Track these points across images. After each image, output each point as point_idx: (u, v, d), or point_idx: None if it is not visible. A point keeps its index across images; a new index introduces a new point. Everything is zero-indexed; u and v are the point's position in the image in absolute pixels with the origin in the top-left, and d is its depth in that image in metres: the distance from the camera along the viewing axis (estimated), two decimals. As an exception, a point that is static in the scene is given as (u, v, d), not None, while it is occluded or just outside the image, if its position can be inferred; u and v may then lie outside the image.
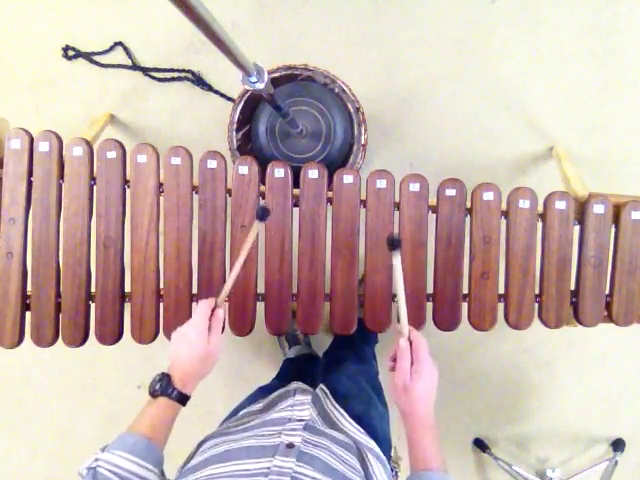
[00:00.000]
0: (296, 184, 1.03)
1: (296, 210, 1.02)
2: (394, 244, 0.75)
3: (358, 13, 1.64)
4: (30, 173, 1.02)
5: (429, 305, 1.04)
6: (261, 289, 1.03)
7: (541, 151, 1.66)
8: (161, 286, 1.03)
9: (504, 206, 1.03)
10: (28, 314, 1.03)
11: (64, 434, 1.84)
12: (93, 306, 1.03)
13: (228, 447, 0.65)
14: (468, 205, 1.03)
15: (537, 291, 1.04)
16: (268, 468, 0.58)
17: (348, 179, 1.02)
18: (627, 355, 1.76)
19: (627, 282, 1.03)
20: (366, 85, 1.64)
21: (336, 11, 1.64)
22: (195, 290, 1.04)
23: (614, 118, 1.65)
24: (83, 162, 1.02)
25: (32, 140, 1.02)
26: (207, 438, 0.76)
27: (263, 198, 1.03)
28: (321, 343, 1.70)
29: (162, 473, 0.68)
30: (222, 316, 0.80)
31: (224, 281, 1.03)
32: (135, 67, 1.66)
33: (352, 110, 1.50)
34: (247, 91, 1.48)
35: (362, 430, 0.82)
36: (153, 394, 0.73)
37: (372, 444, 0.80)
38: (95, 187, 1.02)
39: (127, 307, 1.03)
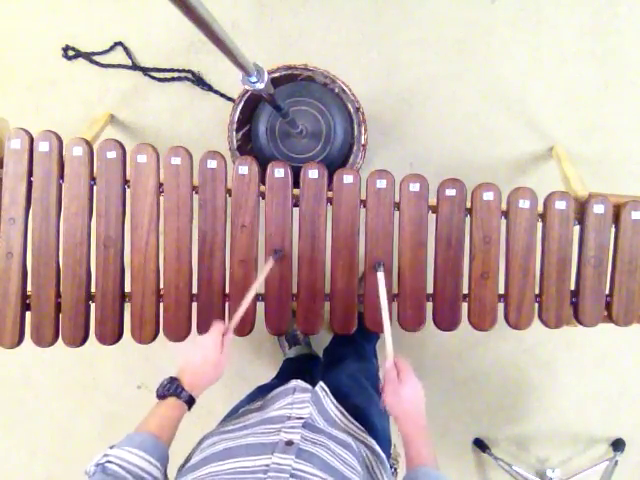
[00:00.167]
0: (296, 184, 1.03)
1: (296, 210, 1.03)
2: (377, 268, 0.95)
3: (358, 13, 1.64)
4: (30, 173, 1.02)
5: (429, 305, 1.04)
6: (261, 289, 1.03)
7: (541, 151, 1.66)
8: (161, 286, 1.03)
9: (504, 206, 1.03)
10: (28, 314, 1.03)
11: (64, 434, 1.84)
12: (93, 306, 1.03)
13: (227, 445, 0.65)
14: (468, 205, 1.03)
15: (537, 291, 1.04)
16: (267, 465, 0.58)
17: (348, 179, 1.02)
18: (627, 355, 1.76)
19: (627, 282, 1.03)
20: (366, 85, 1.64)
21: (336, 11, 1.64)
22: (195, 290, 1.04)
23: (614, 118, 1.65)
24: (83, 162, 1.02)
25: (32, 140, 1.02)
26: (206, 436, 0.76)
27: (263, 198, 1.03)
28: (321, 343, 1.70)
29: (165, 472, 0.68)
30: (232, 337, 0.87)
31: (224, 281, 1.03)
32: (135, 67, 1.66)
33: (352, 110, 1.50)
34: (247, 91, 1.48)
35: (362, 428, 0.82)
36: (163, 395, 0.75)
37: (371, 442, 0.80)
38: (95, 187, 1.03)
39: (127, 307, 1.04)
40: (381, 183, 1.02)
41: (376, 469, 0.73)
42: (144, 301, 1.02)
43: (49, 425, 1.84)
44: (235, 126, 1.50)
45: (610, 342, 1.75)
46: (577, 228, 1.04)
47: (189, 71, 1.66)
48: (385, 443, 0.86)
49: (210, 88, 1.66)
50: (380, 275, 0.92)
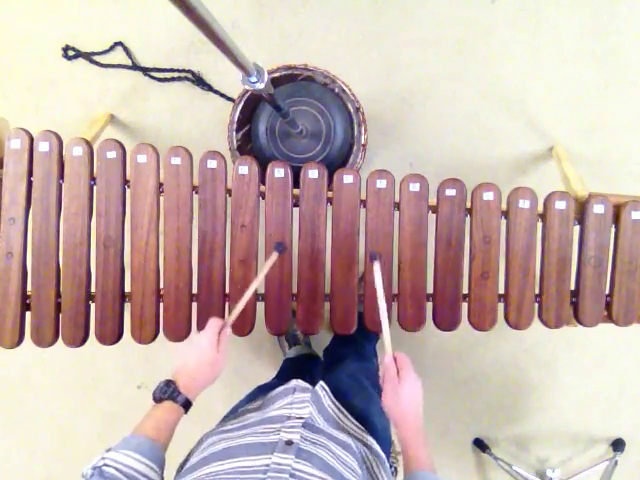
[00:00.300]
0: (296, 184, 1.03)
1: (296, 210, 1.02)
2: (374, 257, 0.93)
3: (358, 13, 1.64)
4: (30, 173, 1.02)
5: (429, 305, 1.04)
6: (261, 289, 1.03)
7: (541, 151, 1.66)
8: (161, 286, 1.03)
9: (504, 206, 1.03)
10: (28, 314, 1.03)
11: (64, 434, 1.84)
12: (93, 306, 1.03)
13: (227, 445, 0.65)
14: (468, 205, 1.03)
15: (537, 291, 1.04)
16: (267, 465, 0.58)
17: (348, 179, 1.02)
18: (627, 355, 1.76)
19: (627, 282, 1.03)
20: (366, 85, 1.64)
21: (336, 11, 1.64)
22: (195, 290, 1.04)
23: (614, 118, 1.65)
24: (83, 162, 1.02)
25: (32, 140, 1.02)
26: (206, 436, 0.76)
27: (263, 198, 1.03)
28: (321, 343, 1.70)
29: (162, 474, 0.68)
30: (230, 333, 0.85)
31: (224, 281, 1.03)
32: (135, 67, 1.66)
33: (352, 110, 1.50)
34: (247, 91, 1.48)
35: (362, 427, 0.82)
36: (160, 399, 0.75)
37: (371, 441, 0.80)
38: (95, 187, 1.03)
39: (127, 307, 1.03)
40: (381, 183, 1.02)
41: (376, 469, 0.73)
42: (144, 301, 1.02)
43: (49, 425, 1.84)
44: (235, 126, 1.50)
45: (610, 342, 1.74)
46: (577, 228, 1.04)
47: (189, 71, 1.66)
48: (385, 442, 0.86)
49: (210, 88, 1.66)
50: (376, 266, 0.90)
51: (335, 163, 1.49)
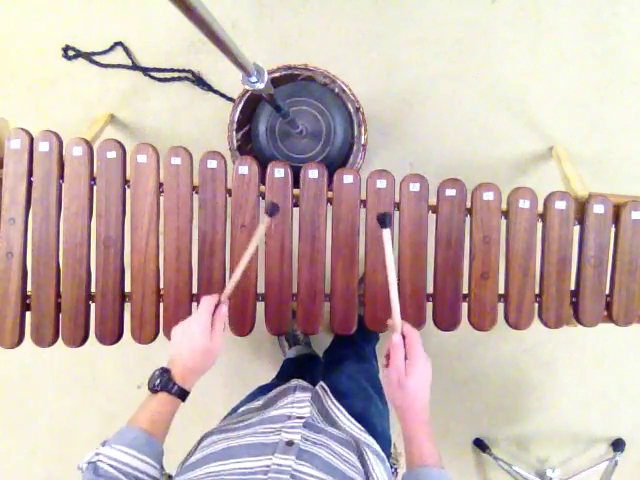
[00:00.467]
0: (296, 184, 1.03)
1: (296, 210, 1.02)
2: (385, 221, 0.75)
3: (358, 13, 1.64)
4: (30, 173, 1.02)
5: (429, 305, 1.04)
6: (261, 289, 1.03)
7: (541, 151, 1.66)
8: (161, 286, 1.03)
9: (504, 206, 1.03)
10: (28, 314, 1.03)
11: (64, 434, 1.84)
12: (93, 306, 1.03)
13: (228, 444, 0.65)
14: (468, 205, 1.03)
15: (537, 291, 1.04)
16: (268, 466, 0.58)
17: (348, 179, 1.02)
18: (627, 355, 1.76)
19: (627, 282, 1.03)
20: (366, 85, 1.64)
21: (336, 11, 1.64)
22: (195, 290, 1.04)
23: (614, 118, 1.65)
24: (83, 162, 1.01)
25: (32, 140, 1.02)
26: (206, 435, 0.76)
27: (263, 198, 1.03)
28: (321, 343, 1.70)
29: (161, 467, 0.68)
30: (225, 313, 0.79)
31: (224, 281, 1.03)
32: (135, 67, 1.66)
33: (352, 110, 1.50)
34: (247, 91, 1.48)
35: (362, 427, 0.82)
36: (153, 389, 0.73)
37: (371, 441, 0.80)
38: (95, 187, 1.02)
39: (127, 307, 1.03)
40: (381, 183, 1.02)
41: (376, 468, 0.73)
42: (144, 301, 1.02)
43: (49, 425, 1.84)
44: (235, 126, 1.50)
45: (610, 342, 1.75)
46: (577, 228, 1.04)
47: (189, 71, 1.66)
48: (385, 443, 0.86)
49: (210, 88, 1.66)
50: (387, 234, 0.76)
51: (335, 163, 1.49)
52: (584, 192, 1.10)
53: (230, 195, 1.03)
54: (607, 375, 1.77)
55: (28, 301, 1.02)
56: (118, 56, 1.67)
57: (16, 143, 1.01)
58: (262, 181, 1.03)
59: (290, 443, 0.63)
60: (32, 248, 1.01)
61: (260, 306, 1.03)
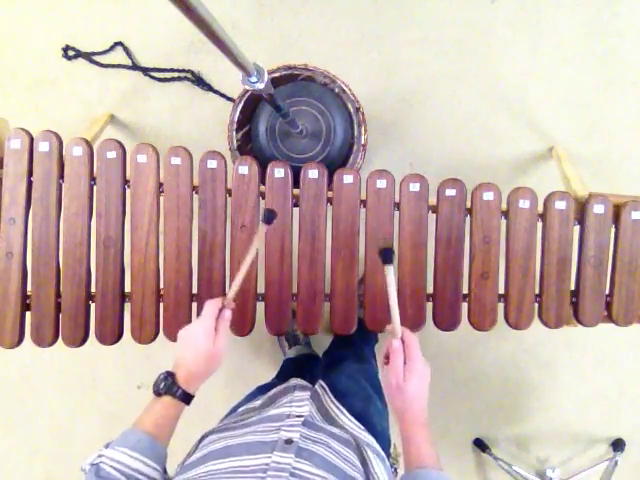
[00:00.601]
0: (296, 184, 1.03)
1: (296, 210, 1.02)
2: (387, 258, 0.74)
3: (358, 13, 1.64)
4: (30, 173, 1.02)
5: (429, 305, 1.04)
6: (261, 289, 1.03)
7: (541, 151, 1.66)
8: (161, 286, 1.03)
9: (504, 206, 1.03)
10: (28, 314, 1.03)
11: (64, 434, 1.84)
12: (93, 306, 1.03)
13: (227, 443, 0.65)
14: (468, 205, 1.03)
15: (537, 291, 1.04)
16: (267, 464, 0.58)
17: (348, 179, 1.02)
18: (627, 355, 1.76)
19: (627, 282, 1.03)
20: (366, 85, 1.64)
21: (336, 11, 1.64)
22: (195, 290, 1.04)
23: (614, 118, 1.65)
24: (83, 162, 1.02)
25: (32, 140, 1.02)
26: (206, 434, 0.76)
27: (263, 198, 1.03)
28: (321, 343, 1.70)
29: (164, 471, 0.68)
30: (229, 317, 0.79)
31: (224, 281, 1.03)
32: (135, 67, 1.66)
33: (352, 110, 1.50)
34: (247, 91, 1.48)
35: (361, 426, 0.82)
36: (158, 393, 0.73)
37: (371, 440, 0.80)
38: (95, 187, 1.02)
39: (127, 307, 1.03)
40: (381, 183, 1.02)
41: (376, 467, 0.73)
42: (144, 301, 1.02)
43: (49, 425, 1.84)
44: (235, 126, 1.50)
45: (610, 342, 1.75)
46: (577, 228, 1.04)
47: (189, 71, 1.66)
48: (385, 443, 0.86)
49: (210, 88, 1.66)
50: (389, 271, 0.75)
51: (335, 163, 1.49)
52: (584, 192, 1.10)
53: (230, 195, 1.03)
54: (607, 375, 1.77)
55: (28, 301, 1.02)
56: (118, 56, 1.67)
57: (16, 143, 1.01)
58: (262, 181, 1.03)
59: (289, 441, 0.63)
60: (32, 248, 1.01)
61: (260, 306, 1.03)
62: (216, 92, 1.66)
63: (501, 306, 1.04)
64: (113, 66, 1.66)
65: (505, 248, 1.03)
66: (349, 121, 1.50)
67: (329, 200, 1.03)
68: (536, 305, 1.04)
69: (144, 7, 1.66)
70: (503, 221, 1.03)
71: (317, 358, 1.61)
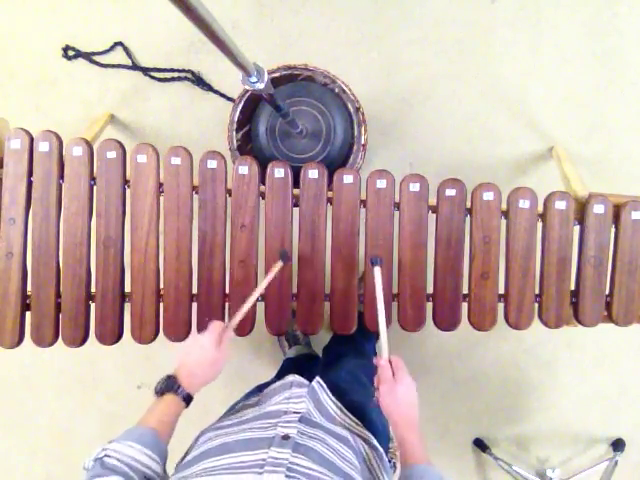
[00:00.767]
0: (296, 184, 1.03)
1: (296, 210, 1.02)
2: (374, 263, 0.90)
3: (358, 13, 1.64)
4: (30, 173, 1.02)
5: (429, 305, 1.04)
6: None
7: (541, 151, 1.66)
8: (161, 286, 1.03)
9: (504, 206, 1.03)
10: (28, 314, 1.03)
11: (64, 434, 1.84)
12: (93, 306, 1.03)
13: (224, 440, 0.65)
14: (468, 205, 1.03)
15: (537, 291, 1.04)
16: (264, 460, 0.58)
17: (348, 179, 1.02)
18: (627, 355, 1.76)
19: (627, 282, 1.03)
20: (366, 85, 1.64)
21: (336, 11, 1.64)
22: (195, 290, 1.04)
23: (614, 118, 1.65)
24: (83, 162, 1.02)
25: (32, 140, 1.02)
26: (203, 432, 0.76)
27: (263, 198, 1.03)
28: (321, 342, 1.70)
29: (164, 471, 0.68)
30: (231, 334, 0.86)
31: (224, 281, 1.03)
32: (135, 67, 1.66)
33: (352, 110, 1.50)
34: (247, 91, 1.48)
35: (359, 422, 0.83)
36: (161, 392, 0.76)
37: (369, 435, 0.80)
38: (95, 187, 1.03)
39: (127, 307, 1.03)
40: (381, 183, 1.02)
41: (374, 462, 0.73)
42: (144, 301, 1.02)
43: (49, 425, 1.84)
44: (235, 126, 1.50)
45: (610, 342, 1.74)
46: (577, 228, 1.04)
47: (189, 71, 1.66)
48: (383, 438, 0.86)
49: (210, 88, 1.66)
50: (377, 272, 0.90)
51: (335, 163, 1.49)
52: (584, 192, 1.10)
53: (230, 195, 1.03)
54: (607, 375, 1.77)
55: (28, 301, 1.03)
56: (118, 56, 1.67)
57: (16, 143, 1.01)
58: (262, 181, 1.03)
59: (286, 437, 0.63)
60: (32, 248, 1.01)
61: (260, 306, 1.03)
62: (216, 92, 1.66)
63: (501, 306, 1.04)
64: (113, 66, 1.66)
65: (505, 248, 1.03)
66: (349, 121, 1.51)
67: (329, 200, 1.03)
68: (536, 305, 1.04)
69: (144, 7, 1.66)
70: (503, 221, 1.03)
71: (317, 358, 1.61)
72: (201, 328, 1.02)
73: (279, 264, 0.96)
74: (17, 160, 1.01)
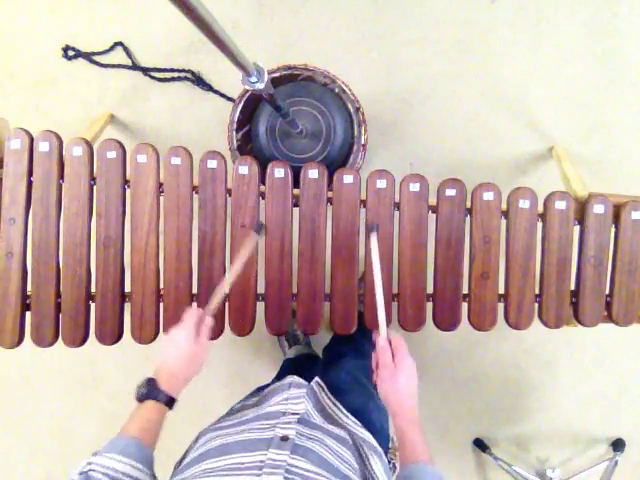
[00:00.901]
0: (296, 184, 1.03)
1: (296, 210, 1.03)
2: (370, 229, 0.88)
3: (358, 13, 1.64)
4: (30, 173, 1.02)
5: (429, 305, 1.04)
6: (261, 289, 1.03)
7: (541, 151, 1.66)
8: (161, 286, 1.03)
9: (504, 206, 1.03)
10: (28, 314, 1.03)
11: (64, 434, 1.84)
12: (93, 306, 1.03)
13: (223, 441, 0.65)
14: (468, 205, 1.03)
15: (537, 291, 1.04)
16: (262, 461, 0.58)
17: (348, 179, 1.02)
18: (627, 355, 1.76)
19: (627, 282, 1.03)
20: (366, 85, 1.64)
21: (336, 11, 1.64)
22: (195, 290, 1.04)
23: (614, 118, 1.65)
24: (83, 162, 1.02)
25: (32, 140, 1.02)
26: (202, 433, 0.76)
27: (263, 198, 1.03)
28: (321, 342, 1.70)
29: (153, 475, 0.68)
30: (210, 322, 0.83)
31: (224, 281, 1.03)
32: (135, 67, 1.66)
33: (352, 110, 1.50)
34: (247, 91, 1.48)
35: (358, 422, 0.82)
36: (140, 398, 0.74)
37: (368, 436, 0.80)
38: (95, 187, 1.03)
39: (127, 307, 1.03)
40: (381, 183, 1.02)
41: (373, 463, 0.73)
42: (144, 301, 1.02)
43: (49, 425, 1.84)
44: (235, 126, 1.50)
45: (610, 342, 1.75)
46: (577, 228, 1.04)
47: (189, 71, 1.66)
48: (383, 438, 0.86)
49: (210, 88, 1.66)
50: (373, 238, 0.88)
51: (335, 163, 1.49)
52: (584, 192, 1.10)
53: (230, 195, 1.03)
54: (607, 375, 1.77)
55: (28, 301, 1.03)
56: (118, 56, 1.67)
57: (16, 143, 1.01)
58: (262, 181, 1.03)
59: (285, 438, 0.63)
60: (32, 248, 1.01)
61: (260, 306, 1.03)
62: (216, 92, 1.66)
63: (501, 306, 1.04)
64: (113, 66, 1.66)
65: (505, 248, 1.03)
66: (349, 121, 1.51)
67: (329, 200, 1.03)
68: (536, 305, 1.04)
69: (144, 7, 1.66)
70: (503, 221, 1.03)
71: (317, 358, 1.61)
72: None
73: (254, 238, 0.90)
74: (17, 160, 1.01)
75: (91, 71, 1.67)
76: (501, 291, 1.04)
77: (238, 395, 1.01)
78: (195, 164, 1.02)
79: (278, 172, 1.02)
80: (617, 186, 1.63)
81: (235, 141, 1.51)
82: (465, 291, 1.04)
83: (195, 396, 1.77)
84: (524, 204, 1.02)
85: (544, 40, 1.63)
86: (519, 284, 1.03)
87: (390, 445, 0.88)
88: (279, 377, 1.34)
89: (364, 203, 1.03)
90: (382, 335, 0.80)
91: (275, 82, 1.45)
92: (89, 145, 1.02)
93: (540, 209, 1.03)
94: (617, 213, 1.03)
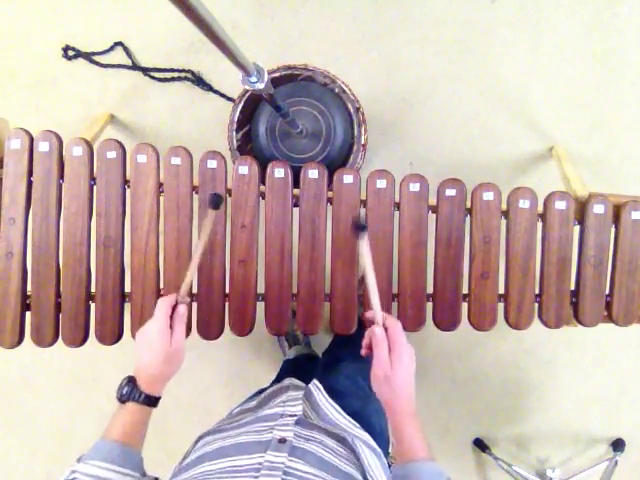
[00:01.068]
0: (296, 184, 1.03)
1: (296, 210, 1.02)
2: (359, 229, 0.80)
3: (358, 13, 1.64)
4: (30, 173, 1.02)
5: (429, 305, 1.04)
6: (261, 289, 1.03)
7: (541, 151, 1.66)
8: (161, 286, 1.03)
9: (504, 206, 1.03)
10: (28, 314, 1.03)
11: (64, 434, 1.84)
12: (93, 306, 1.03)
13: (221, 444, 0.65)
14: (468, 205, 1.03)
15: (537, 291, 1.04)
16: (260, 464, 0.58)
17: (348, 179, 1.02)
18: (627, 355, 1.76)
19: (627, 282, 1.03)
20: (366, 85, 1.64)
21: (336, 11, 1.64)
22: (195, 290, 1.04)
23: (614, 118, 1.65)
24: (83, 162, 1.01)
25: (32, 140, 1.02)
26: (201, 436, 0.76)
27: (263, 198, 1.03)
28: (321, 343, 1.70)
29: (143, 474, 0.67)
30: (184, 313, 0.76)
31: (224, 281, 1.03)
32: (135, 67, 1.66)
33: (352, 110, 1.50)
34: (247, 91, 1.48)
35: (356, 424, 0.82)
36: (121, 400, 0.71)
37: (366, 437, 0.80)
38: (95, 187, 1.02)
39: (127, 307, 1.03)
40: (381, 183, 1.02)
41: (372, 464, 0.72)
42: (144, 301, 1.02)
43: (49, 425, 1.84)
44: (235, 126, 1.50)
45: (610, 342, 1.75)
46: (577, 228, 1.04)
47: (189, 71, 1.66)
48: (382, 440, 0.86)
49: (210, 88, 1.66)
50: (363, 241, 0.79)
51: (335, 163, 1.49)
52: (584, 192, 1.10)
53: (230, 195, 1.03)
54: (607, 375, 1.77)
55: (28, 301, 1.02)
56: (118, 56, 1.67)
57: (16, 143, 1.01)
58: (262, 181, 1.03)
59: (282, 440, 0.63)
60: (32, 248, 1.01)
61: (260, 306, 1.03)
62: (216, 92, 1.66)
63: (501, 306, 1.04)
64: (113, 66, 1.66)
65: (505, 248, 1.03)
66: (349, 121, 1.51)
67: (329, 200, 1.03)
68: (536, 305, 1.04)
69: (144, 7, 1.66)
70: (503, 221, 1.03)
71: (317, 358, 1.61)
72: (201, 328, 1.02)
73: (211, 214, 0.81)
74: (17, 160, 1.01)
75: (91, 71, 1.67)
76: (501, 291, 1.04)
77: (238, 395, 1.01)
78: (195, 164, 1.02)
79: (278, 172, 1.02)
80: (617, 186, 1.63)
81: (235, 141, 1.51)
82: (465, 291, 1.04)
83: (195, 396, 1.77)
84: (524, 204, 1.02)
85: (544, 40, 1.63)
86: (519, 284, 1.02)
87: (390, 449, 0.88)
88: (279, 379, 1.34)
89: (364, 203, 1.03)
90: (378, 322, 0.73)
91: (275, 82, 1.45)
92: (89, 145, 1.02)
93: (540, 209, 1.03)
94: (617, 213, 1.03)
